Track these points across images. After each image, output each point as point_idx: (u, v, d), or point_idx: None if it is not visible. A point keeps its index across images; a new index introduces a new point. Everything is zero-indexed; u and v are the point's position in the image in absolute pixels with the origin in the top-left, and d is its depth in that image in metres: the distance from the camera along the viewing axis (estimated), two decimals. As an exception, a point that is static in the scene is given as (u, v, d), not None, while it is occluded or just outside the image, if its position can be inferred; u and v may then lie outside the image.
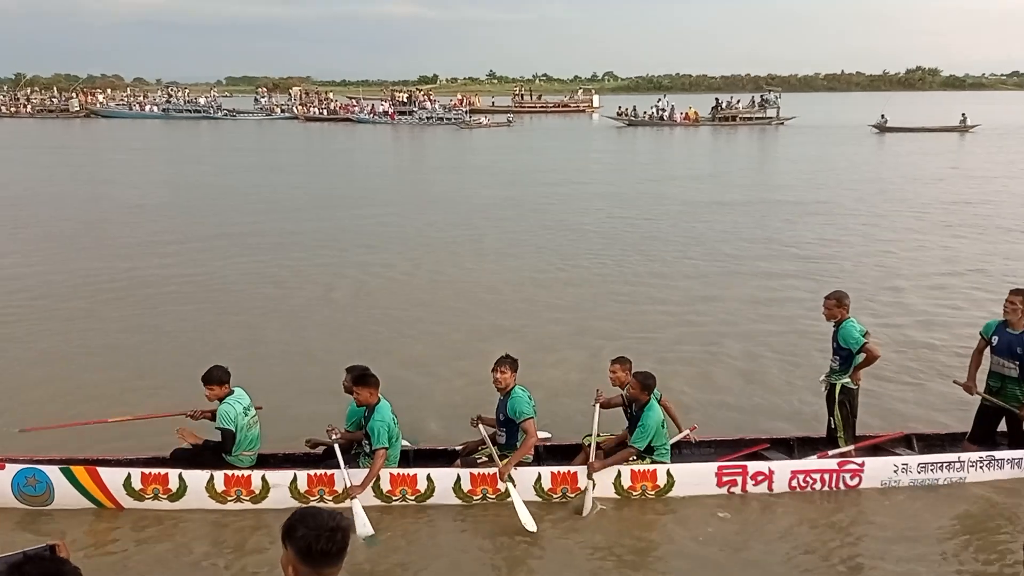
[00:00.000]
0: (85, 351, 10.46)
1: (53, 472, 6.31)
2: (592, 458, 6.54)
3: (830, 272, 14.64)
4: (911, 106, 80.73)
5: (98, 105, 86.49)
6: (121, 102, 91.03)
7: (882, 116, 55.57)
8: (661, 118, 65.76)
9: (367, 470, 6.30)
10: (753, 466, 6.66)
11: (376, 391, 6.44)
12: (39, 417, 7.67)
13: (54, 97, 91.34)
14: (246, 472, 6.39)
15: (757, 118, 65.07)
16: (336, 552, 2.57)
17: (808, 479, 6.67)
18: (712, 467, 6.65)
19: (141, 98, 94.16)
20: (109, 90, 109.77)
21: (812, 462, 6.77)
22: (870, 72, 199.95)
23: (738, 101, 68.87)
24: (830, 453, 6.82)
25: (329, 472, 6.35)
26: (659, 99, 70.66)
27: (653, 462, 6.64)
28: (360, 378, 6.44)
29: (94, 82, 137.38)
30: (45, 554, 3.09)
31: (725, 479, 6.61)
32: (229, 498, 6.31)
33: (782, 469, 6.67)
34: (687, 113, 66.17)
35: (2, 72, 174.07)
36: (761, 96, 68.92)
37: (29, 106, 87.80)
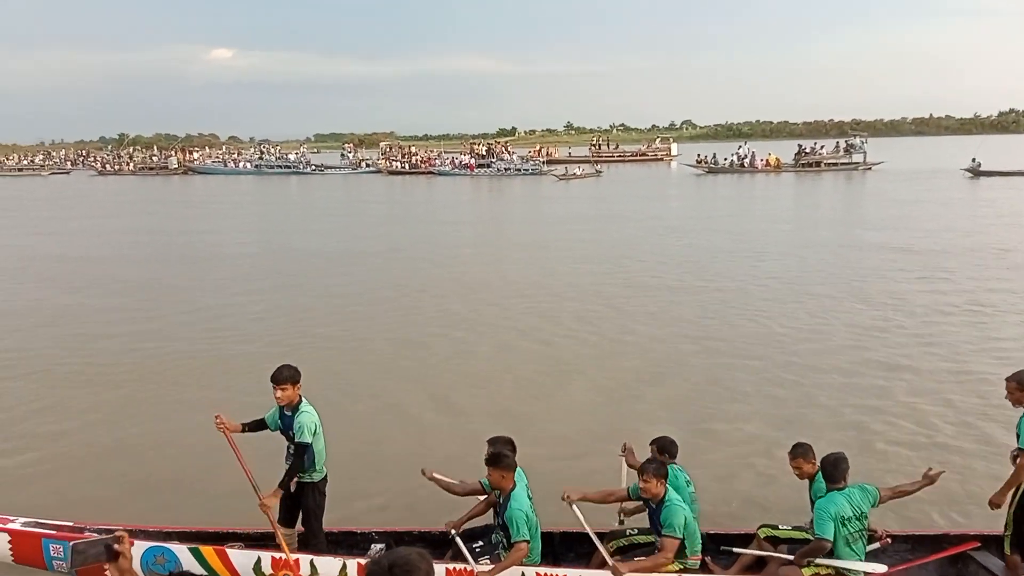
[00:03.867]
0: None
1: (182, 552, 6.39)
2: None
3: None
4: (1003, 149, 77.40)
5: (195, 162, 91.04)
6: (216, 159, 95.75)
7: (974, 160, 53.38)
8: (742, 165, 64.98)
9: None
10: None
11: (512, 475, 5.59)
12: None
13: (154, 155, 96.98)
14: None
15: (843, 164, 63.52)
16: None
17: None
18: None
19: (235, 155, 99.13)
20: (206, 148, 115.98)
21: None
22: (960, 116, 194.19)
23: (822, 147, 67.63)
24: None
25: (470, 568, 5.72)
26: (740, 146, 70.01)
27: None
28: (493, 458, 5.65)
29: (191, 140, 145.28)
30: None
31: None
32: (363, 585, 6.24)
33: None
34: (768, 159, 65.31)
35: (107, 132, 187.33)
36: (846, 141, 67.54)
37: (131, 164, 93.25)
